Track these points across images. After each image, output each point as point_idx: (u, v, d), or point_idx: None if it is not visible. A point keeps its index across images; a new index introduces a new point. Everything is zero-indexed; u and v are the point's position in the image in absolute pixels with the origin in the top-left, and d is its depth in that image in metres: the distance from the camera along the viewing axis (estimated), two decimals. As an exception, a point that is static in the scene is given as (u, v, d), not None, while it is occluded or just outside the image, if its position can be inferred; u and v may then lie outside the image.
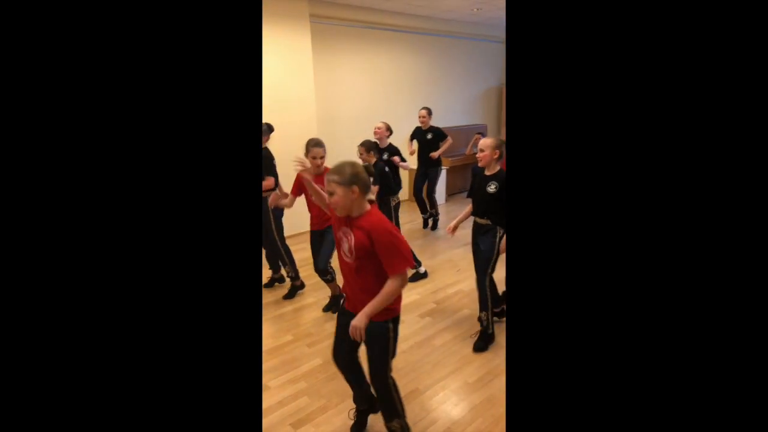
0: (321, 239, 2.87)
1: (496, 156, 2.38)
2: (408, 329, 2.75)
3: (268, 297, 3.33)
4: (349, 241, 1.58)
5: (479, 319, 2.62)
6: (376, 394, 1.75)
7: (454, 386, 2.25)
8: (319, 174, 2.64)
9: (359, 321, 1.53)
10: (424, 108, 4.44)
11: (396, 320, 1.67)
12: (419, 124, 4.48)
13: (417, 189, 4.67)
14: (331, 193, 1.54)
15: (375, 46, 5.57)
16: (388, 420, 1.77)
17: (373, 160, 3.21)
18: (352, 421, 1.96)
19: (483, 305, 2.55)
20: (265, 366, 2.47)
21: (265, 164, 3.13)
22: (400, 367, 2.38)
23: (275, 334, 2.81)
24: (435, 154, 4.42)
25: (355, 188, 1.52)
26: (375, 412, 1.94)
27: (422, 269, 3.69)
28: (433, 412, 2.07)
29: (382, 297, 1.54)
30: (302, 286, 3.40)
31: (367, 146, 3.20)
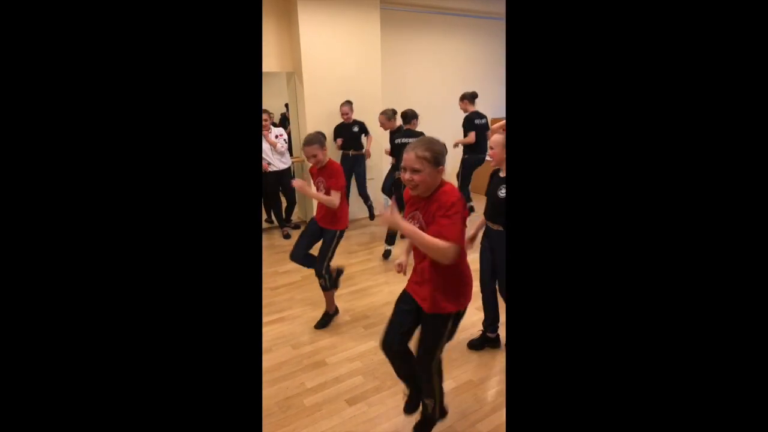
0: (317, 235, 2.71)
1: None
2: (467, 320, 2.70)
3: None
4: (419, 222, 1.50)
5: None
6: (419, 373, 1.71)
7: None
8: (322, 167, 2.54)
9: (399, 223, 1.39)
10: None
11: (458, 316, 1.61)
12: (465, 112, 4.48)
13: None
14: (415, 171, 1.40)
15: (445, 31, 5.46)
16: (425, 396, 1.77)
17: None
18: (403, 404, 1.98)
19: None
20: (322, 343, 2.56)
21: None
22: (454, 358, 2.36)
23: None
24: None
25: (442, 168, 1.43)
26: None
27: (390, 248, 3.89)
28: (486, 405, 2.03)
29: (429, 240, 1.36)
30: None
31: (388, 114, 3.93)
